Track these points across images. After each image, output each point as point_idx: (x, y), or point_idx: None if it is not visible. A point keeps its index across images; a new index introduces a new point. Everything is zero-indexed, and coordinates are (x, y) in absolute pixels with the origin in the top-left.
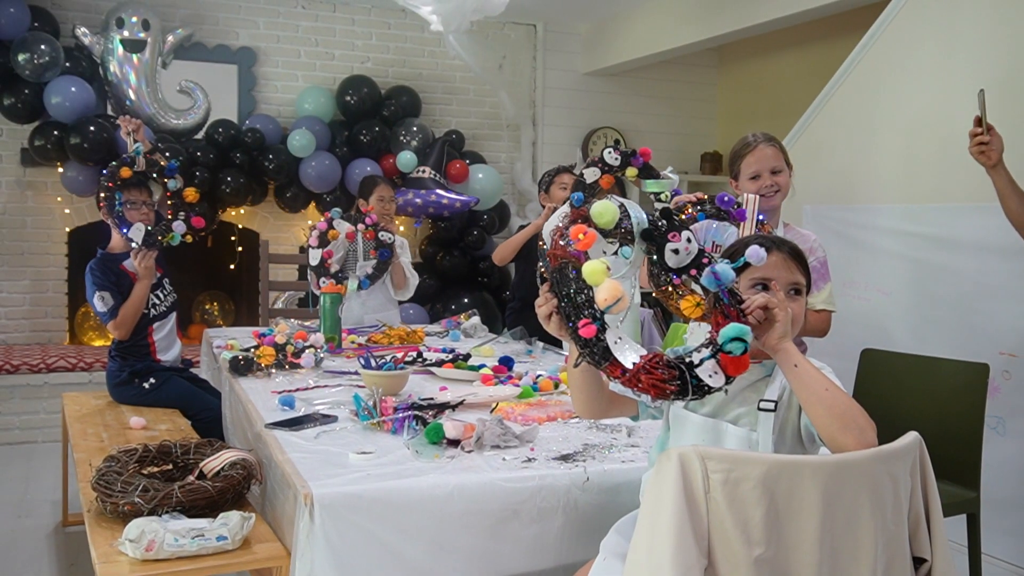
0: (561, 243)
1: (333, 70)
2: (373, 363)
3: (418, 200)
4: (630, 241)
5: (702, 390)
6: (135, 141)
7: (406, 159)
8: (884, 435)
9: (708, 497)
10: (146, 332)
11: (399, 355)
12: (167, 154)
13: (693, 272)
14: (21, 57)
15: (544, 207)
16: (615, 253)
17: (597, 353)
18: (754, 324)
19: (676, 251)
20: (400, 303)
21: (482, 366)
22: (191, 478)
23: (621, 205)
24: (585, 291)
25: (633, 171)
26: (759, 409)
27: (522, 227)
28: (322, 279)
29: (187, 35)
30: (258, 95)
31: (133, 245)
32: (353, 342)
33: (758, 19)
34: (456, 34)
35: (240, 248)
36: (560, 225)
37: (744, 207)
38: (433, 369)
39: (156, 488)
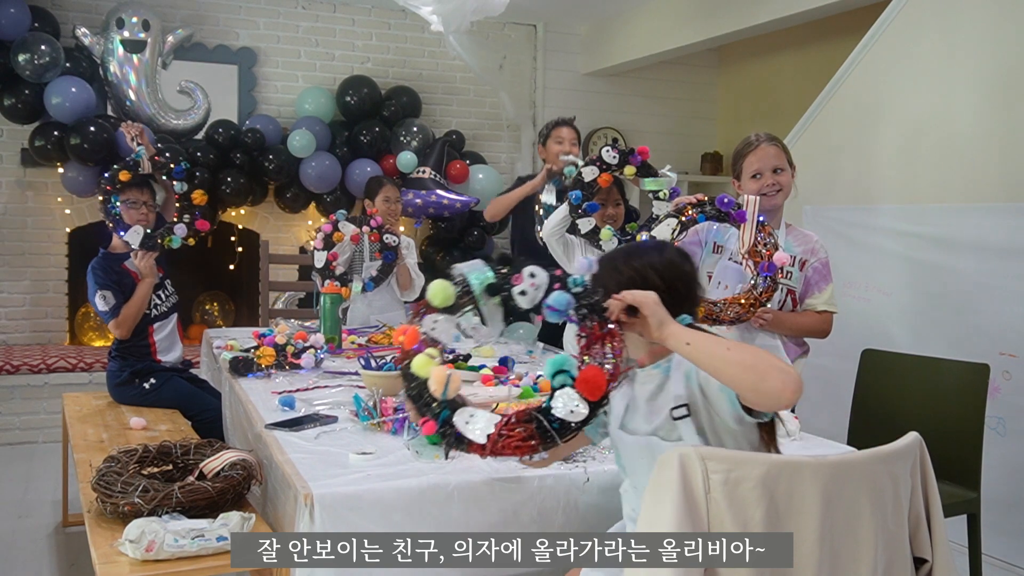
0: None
1: (333, 70)
2: (373, 364)
3: (418, 200)
4: (478, 303)
5: (568, 428)
6: (138, 145)
7: (406, 159)
8: (884, 435)
9: (708, 497)
10: (146, 332)
11: (399, 356)
12: (170, 156)
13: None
14: (21, 57)
15: (544, 161)
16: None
17: (454, 439)
18: (628, 324)
19: (524, 292)
20: (406, 303)
21: (482, 366)
22: (191, 479)
23: (456, 277)
24: (424, 385)
25: (631, 169)
26: (673, 419)
27: (520, 180)
28: (326, 281)
29: (187, 35)
30: (258, 95)
31: (132, 247)
32: (353, 343)
33: (758, 19)
34: (456, 34)
35: (240, 248)
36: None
37: (744, 208)
38: None
39: (156, 488)
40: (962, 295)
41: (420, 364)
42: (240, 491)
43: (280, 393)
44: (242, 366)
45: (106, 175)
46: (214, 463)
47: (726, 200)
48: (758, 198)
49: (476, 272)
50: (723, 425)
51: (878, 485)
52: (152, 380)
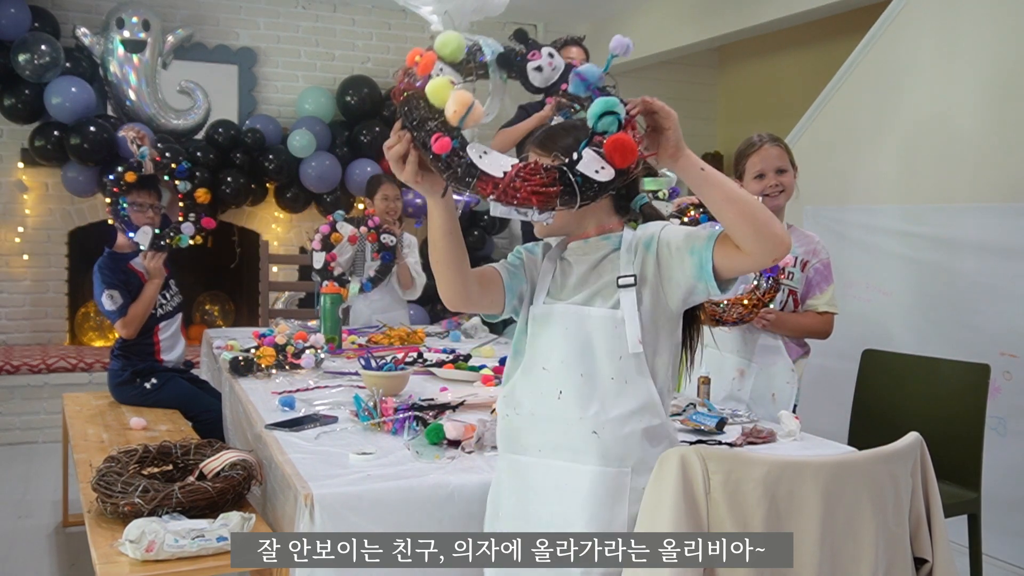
0: (406, 80)
1: (333, 70)
2: (373, 364)
3: (419, 200)
4: (486, 75)
5: (592, 189)
6: (140, 147)
7: None
8: (885, 436)
9: (708, 498)
10: (152, 332)
11: (399, 356)
12: (170, 156)
13: (564, 87)
14: (21, 57)
15: None
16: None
17: (462, 171)
18: (640, 132)
19: (539, 68)
20: (408, 303)
21: (482, 367)
22: (191, 479)
23: (472, 40)
24: (436, 115)
25: None
26: (619, 286)
27: (522, 109)
28: (325, 281)
29: (187, 35)
30: (258, 95)
31: (141, 248)
32: (353, 343)
33: (758, 19)
34: None
35: (240, 248)
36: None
37: None
38: (433, 370)
39: (156, 489)
40: (962, 295)
41: (438, 86)
42: (240, 491)
43: (280, 393)
44: (242, 366)
45: (111, 176)
46: (214, 463)
47: None
48: (760, 198)
49: (495, 46)
50: (662, 307)
51: (879, 485)
52: (153, 380)
